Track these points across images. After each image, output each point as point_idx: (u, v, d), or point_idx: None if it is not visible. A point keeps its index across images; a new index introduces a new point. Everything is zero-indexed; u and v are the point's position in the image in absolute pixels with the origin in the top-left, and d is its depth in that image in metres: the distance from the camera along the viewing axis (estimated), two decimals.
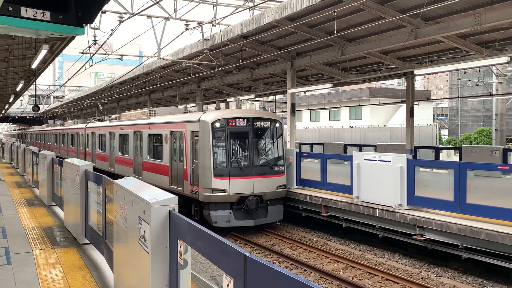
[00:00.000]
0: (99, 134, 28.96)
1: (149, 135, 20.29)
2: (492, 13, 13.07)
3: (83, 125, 33.19)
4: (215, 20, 18.73)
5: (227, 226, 15.21)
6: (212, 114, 15.89)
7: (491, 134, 37.21)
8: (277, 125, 16.57)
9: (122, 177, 25.03)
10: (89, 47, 19.92)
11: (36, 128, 63.99)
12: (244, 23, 17.78)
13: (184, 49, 22.17)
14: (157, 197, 4.36)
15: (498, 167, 14.86)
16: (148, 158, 20.33)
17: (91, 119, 35.64)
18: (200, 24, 19.14)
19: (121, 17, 18.62)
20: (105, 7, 17.17)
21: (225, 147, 15.51)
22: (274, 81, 27.98)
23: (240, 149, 15.95)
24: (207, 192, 15.15)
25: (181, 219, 4.07)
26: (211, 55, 19.76)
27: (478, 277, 11.63)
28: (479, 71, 28.11)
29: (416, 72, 17.55)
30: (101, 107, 41.72)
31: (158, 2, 16.88)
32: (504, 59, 13.89)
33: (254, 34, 18.15)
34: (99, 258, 7.80)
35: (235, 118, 15.68)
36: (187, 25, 19.09)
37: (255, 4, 20.36)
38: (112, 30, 19.42)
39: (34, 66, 16.69)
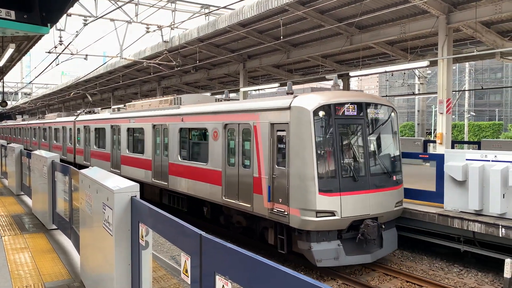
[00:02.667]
0: (96, 129, 21.01)
1: (181, 130, 13.46)
2: (415, 23, 13.57)
3: (71, 118, 25.63)
4: (173, 24, 18.39)
5: (335, 265, 9.29)
6: (311, 98, 9.35)
7: (414, 128, 38.74)
8: (393, 114, 10.42)
9: (134, 181, 16.88)
10: (55, 47, 19.11)
11: (10, 122, 52.71)
12: (200, 28, 17.58)
13: (145, 50, 21.68)
14: (120, 185, 4.26)
15: (420, 155, 15.55)
16: (180, 159, 13.46)
17: (79, 111, 27.19)
18: (160, 27, 18.73)
19: (85, 20, 17.94)
20: (70, 10, 16.49)
21: (333, 147, 9.29)
22: (228, 81, 27.89)
23: (353, 149, 9.79)
24: (307, 215, 8.87)
25: (142, 204, 4.00)
26: (170, 56, 19.42)
27: None
28: (404, 73, 29.12)
29: (351, 74, 17.97)
30: (90, 98, 31.84)
31: (120, 7, 16.38)
32: (425, 63, 14.49)
33: (210, 37, 18.00)
34: (67, 242, 7.53)
35: (344, 104, 9.48)
36: (147, 28, 18.65)
37: (211, 10, 20.16)
38: (77, 31, 18.68)
39: (1, 64, 15.80)
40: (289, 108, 9.38)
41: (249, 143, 10.49)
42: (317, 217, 8.90)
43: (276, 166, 9.66)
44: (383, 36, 14.71)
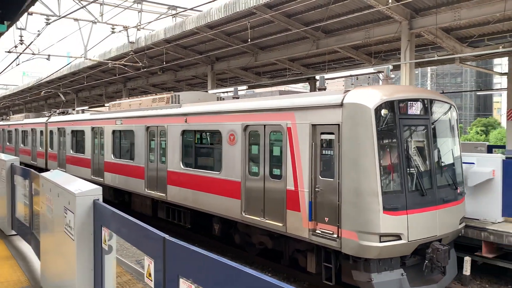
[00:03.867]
0: (73, 131, 18.67)
1: (184, 132, 11.53)
2: (378, 29, 13.90)
3: (43, 119, 23.02)
4: (140, 25, 18.11)
5: None
6: (370, 94, 7.61)
7: None
8: (454, 114, 8.80)
9: (119, 192, 15.14)
10: (16, 46, 18.46)
11: None
12: (167, 29, 17.40)
13: (110, 51, 21.24)
14: (82, 188, 4.16)
15: None
16: (182, 167, 11.49)
17: (52, 112, 24.70)
18: (126, 28, 18.40)
19: (48, 19, 17.40)
20: (32, 9, 15.96)
21: (399, 154, 7.54)
22: (196, 83, 27.70)
23: (419, 157, 7.98)
24: (367, 239, 7.15)
25: (105, 208, 3.92)
26: (136, 57, 19.11)
27: None
28: (369, 77, 29.78)
29: (317, 77, 18.19)
30: (63, 98, 27.75)
31: (84, 6, 16.00)
32: (388, 67, 14.82)
33: (177, 39, 17.83)
34: (26, 248, 7.27)
35: (410, 101, 7.78)
36: (113, 28, 18.28)
37: (178, 12, 19.99)
38: (39, 31, 18.10)
39: None
40: (341, 105, 7.49)
41: (280, 148, 8.68)
42: (380, 242, 7.09)
43: (320, 178, 7.84)
44: (348, 41, 14.98)
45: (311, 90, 23.70)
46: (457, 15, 12.00)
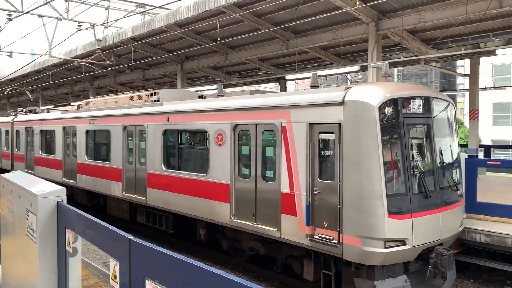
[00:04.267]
0: (42, 131, 17.77)
1: (166, 132, 10.97)
2: (347, 30, 14.13)
3: (8, 118, 22.05)
4: (107, 23, 17.75)
5: None
6: (372, 91, 7.23)
7: None
8: (453, 111, 8.58)
9: (93, 195, 14.55)
10: None
11: None
12: (135, 27, 17.12)
13: (76, 49, 20.72)
14: (45, 189, 4.04)
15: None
16: (164, 168, 10.93)
17: (18, 110, 23.53)
18: (93, 25, 18.00)
19: (10, 15, 16.83)
20: None
21: (403, 155, 7.23)
22: (166, 82, 27.39)
23: (422, 157, 7.79)
24: (371, 245, 6.81)
25: (69, 210, 3.82)
26: (103, 55, 18.71)
27: None
28: (337, 77, 30.25)
29: (287, 77, 18.37)
30: (30, 96, 26.08)
31: (49, 2, 15.55)
32: (356, 68, 15.14)
33: (145, 37, 17.58)
34: None
35: (413, 99, 7.53)
36: (79, 26, 17.85)
37: (146, 9, 19.70)
38: (0, 27, 17.48)
39: None
40: (342, 103, 7.08)
41: (273, 149, 8.27)
42: (385, 247, 6.72)
43: (319, 180, 7.44)
44: (317, 41, 15.15)
45: (281, 90, 23.86)
46: (422, 18, 12.33)
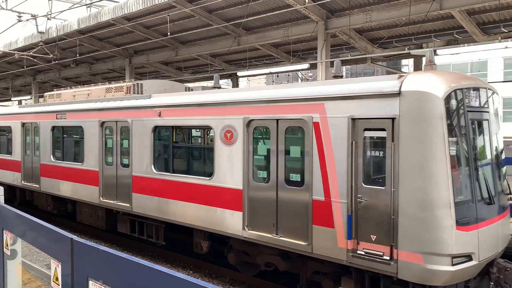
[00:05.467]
0: None
1: (157, 129, 9.59)
2: (297, 28, 14.33)
3: None
4: (50, 14, 16.96)
5: None
6: (435, 79, 6.12)
7: None
8: (500, 104, 7.59)
9: (59, 200, 12.75)
10: None
11: None
12: (81, 19, 16.46)
13: (17, 41, 19.65)
14: None
15: None
16: (154, 171, 9.55)
17: None
18: (35, 16, 17.13)
19: None
20: None
21: (468, 156, 6.29)
22: (113, 76, 26.58)
23: (484, 157, 6.78)
24: (436, 262, 5.79)
25: (7, 210, 3.62)
26: (46, 48, 17.86)
27: None
28: (288, 75, 30.64)
29: (239, 74, 18.34)
30: None
31: None
32: (305, 66, 15.40)
33: (92, 30, 16.97)
34: None
35: (475, 90, 6.60)
36: (20, 17, 16.94)
37: (92, 1, 19.01)
38: None
39: None
40: (398, 94, 5.99)
41: (301, 148, 7.10)
42: (453, 264, 5.73)
43: (364, 185, 6.36)
44: (268, 39, 15.26)
45: (233, 87, 23.82)
46: (368, 17, 12.73)
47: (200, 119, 8.68)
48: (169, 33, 14.81)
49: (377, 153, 6.35)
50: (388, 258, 6.07)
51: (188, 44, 18.11)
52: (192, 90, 10.80)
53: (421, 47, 15.69)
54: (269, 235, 7.40)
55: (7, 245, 3.53)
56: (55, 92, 13.53)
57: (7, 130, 15.09)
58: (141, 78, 25.87)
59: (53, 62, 20.06)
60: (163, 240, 9.96)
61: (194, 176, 8.81)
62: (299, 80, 32.83)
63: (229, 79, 25.00)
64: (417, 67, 17.97)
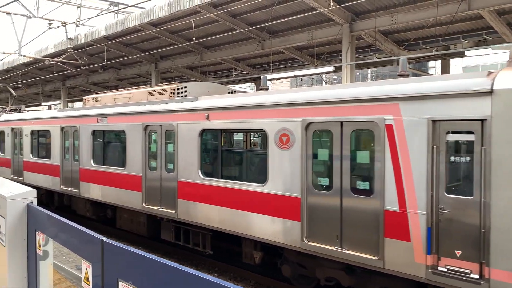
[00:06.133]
0: (33, 132, 15.57)
1: (204, 132, 9.14)
2: (321, 31, 14.28)
3: None
4: (79, 21, 17.42)
5: None
6: None
7: None
8: None
9: (99, 205, 12.53)
10: None
11: None
12: (108, 26, 16.85)
13: (47, 48, 20.26)
14: (14, 191, 3.93)
15: None
16: (201, 176, 9.07)
17: (0, 109, 20.88)
18: (64, 24, 17.63)
19: None
20: None
21: None
22: (140, 81, 27.05)
23: None
24: None
25: (40, 212, 3.72)
26: (75, 54, 18.35)
27: None
28: (312, 78, 30.50)
29: (261, 77, 18.39)
30: (14, 93, 22.68)
31: (18, 0, 15.15)
32: (330, 68, 15.32)
33: (119, 36, 17.33)
34: None
35: None
36: (50, 24, 17.47)
37: (120, 8, 19.42)
38: None
39: None
40: (490, 92, 5.41)
41: (371, 153, 6.57)
42: None
43: (447, 195, 5.80)
44: (292, 42, 15.26)
45: (257, 90, 23.87)
46: (394, 19, 12.57)
47: (252, 122, 8.11)
48: (194, 38, 14.99)
49: (462, 159, 5.71)
50: (477, 276, 5.46)
51: (213, 49, 18.28)
52: (235, 92, 10.52)
53: (449, 49, 15.40)
54: (332, 248, 6.82)
55: (39, 246, 3.63)
56: (94, 95, 13.27)
57: (46, 134, 14.88)
58: (167, 82, 26.24)
59: (81, 68, 20.58)
60: (210, 249, 9.47)
61: (244, 183, 8.24)
62: (324, 83, 32.66)
63: (253, 83, 25.08)
64: (445, 69, 17.62)
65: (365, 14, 13.27)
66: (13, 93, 23.07)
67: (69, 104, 35.39)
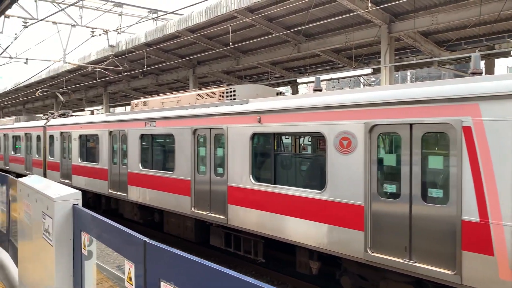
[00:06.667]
0: (81, 136, 15.68)
1: (255, 136, 8.87)
2: (359, 32, 14.09)
3: (39, 123, 19.85)
4: (120, 29, 17.98)
5: None
6: None
7: None
8: None
9: (146, 209, 12.46)
10: None
11: None
12: (148, 33, 17.30)
13: (90, 55, 21.03)
14: (61, 193, 4.09)
15: None
16: (253, 181, 8.75)
17: (50, 114, 21.22)
18: (106, 31, 18.24)
19: (25, 22, 17.15)
20: (9, 12, 15.68)
21: None
22: (178, 87, 27.60)
23: None
24: None
25: (84, 213, 3.85)
26: (117, 61, 18.94)
27: None
28: (350, 80, 30.11)
29: (299, 80, 18.33)
30: (62, 98, 22.85)
31: (63, 9, 15.80)
32: (368, 70, 15.07)
33: (158, 42, 17.75)
34: (4, 256, 7.11)
35: None
36: (93, 32, 18.12)
37: (159, 15, 19.90)
38: (16, 34, 17.81)
39: None
40: None
41: (445, 158, 6.03)
42: None
43: None
44: (329, 44, 15.14)
45: (292, 93, 23.79)
46: (434, 19, 12.23)
47: (307, 125, 7.68)
48: (230, 43, 15.15)
49: None
50: None
51: (249, 53, 18.40)
52: (283, 94, 10.24)
53: (493, 48, 14.83)
54: (400, 260, 6.30)
55: (84, 246, 3.75)
56: (142, 99, 13.34)
57: (94, 138, 14.95)
58: (204, 87, 26.61)
59: (122, 74, 21.21)
60: (263, 257, 9.11)
61: (300, 189, 7.82)
62: (361, 85, 32.18)
63: (288, 86, 25.02)
64: (489, 70, 16.97)
65: (404, 14, 12.99)
66: (61, 98, 23.57)
67: (111, 109, 36.52)
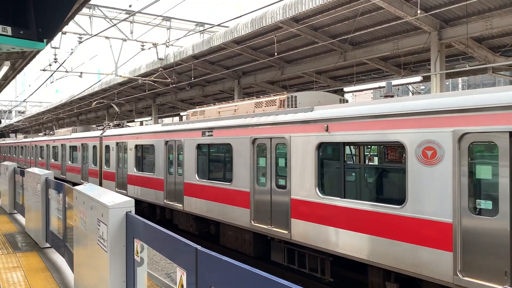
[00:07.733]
0: (137, 146, 15.57)
1: (322, 145, 8.29)
2: (407, 39, 13.76)
3: (96, 133, 20.11)
4: (168, 42, 18.56)
5: None
6: None
7: None
8: None
9: (202, 221, 11.80)
10: (50, 65, 19.26)
11: (9, 140, 45.91)
12: (195, 45, 17.75)
13: (140, 68, 21.83)
14: (115, 200, 4.25)
15: None
16: (319, 194, 8.16)
17: (105, 124, 21.89)
18: (155, 45, 18.89)
19: (80, 38, 18.08)
20: (65, 28, 16.62)
21: None
22: (223, 97, 28.03)
23: None
24: None
25: (137, 220, 3.98)
26: (165, 73, 19.54)
27: None
28: (398, 89, 29.39)
29: (345, 89, 18.11)
30: (117, 109, 24.21)
31: (115, 25, 16.53)
32: (418, 78, 14.65)
33: (204, 55, 18.16)
34: (60, 261, 7.45)
35: None
36: (143, 45, 18.83)
37: (205, 28, 20.38)
38: (72, 49, 18.80)
39: None
40: None
41: None
42: None
43: None
44: (376, 52, 14.89)
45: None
46: (488, 24, 11.75)
47: (383, 134, 7.01)
48: (275, 53, 15.24)
49: None
50: None
51: (294, 63, 18.42)
52: (347, 101, 9.72)
53: None
54: (498, 287, 5.53)
55: (137, 253, 3.87)
56: (198, 109, 13.04)
57: (150, 148, 14.86)
58: (249, 99, 26.88)
59: (170, 86, 21.84)
60: (330, 275, 8.42)
61: (374, 203, 7.15)
62: (410, 94, 31.28)
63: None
64: None
65: (455, 20, 12.57)
66: (117, 109, 24.35)
67: (159, 120, 37.59)
